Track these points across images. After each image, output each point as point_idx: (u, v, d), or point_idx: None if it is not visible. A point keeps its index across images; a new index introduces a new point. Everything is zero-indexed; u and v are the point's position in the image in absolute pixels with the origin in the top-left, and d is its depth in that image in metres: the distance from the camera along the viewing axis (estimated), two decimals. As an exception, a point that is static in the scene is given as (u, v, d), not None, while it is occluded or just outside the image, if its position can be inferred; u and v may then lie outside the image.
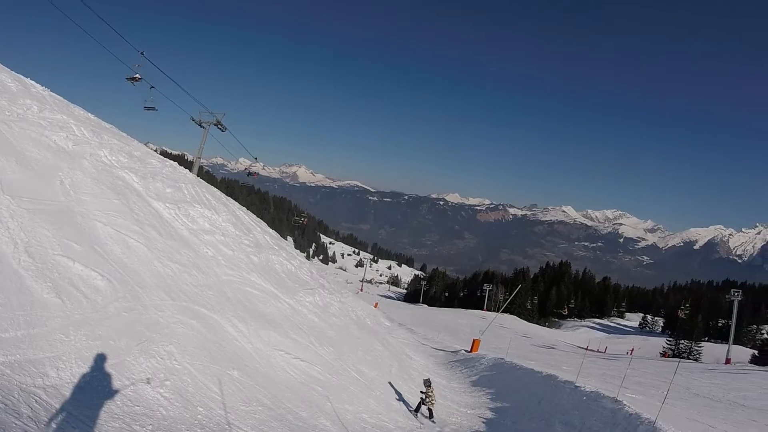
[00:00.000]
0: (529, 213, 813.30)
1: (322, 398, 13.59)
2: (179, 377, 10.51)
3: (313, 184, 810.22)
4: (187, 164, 37.13)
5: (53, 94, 19.80)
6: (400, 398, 17.62)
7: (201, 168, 38.32)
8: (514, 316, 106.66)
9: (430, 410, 16.89)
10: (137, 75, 29.71)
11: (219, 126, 35.64)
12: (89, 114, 21.34)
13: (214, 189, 23.41)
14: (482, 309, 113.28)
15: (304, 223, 62.72)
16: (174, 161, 22.92)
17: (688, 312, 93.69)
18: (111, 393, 8.92)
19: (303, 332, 16.53)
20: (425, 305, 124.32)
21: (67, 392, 8.30)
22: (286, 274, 20.12)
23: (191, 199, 18.88)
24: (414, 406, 17.06)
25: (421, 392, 17.04)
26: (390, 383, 18.52)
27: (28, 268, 10.18)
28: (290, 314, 17.06)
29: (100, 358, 9.43)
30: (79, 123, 17.75)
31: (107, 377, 9.21)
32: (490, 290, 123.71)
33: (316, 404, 13.09)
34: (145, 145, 23.84)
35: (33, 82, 19.39)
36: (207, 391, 10.75)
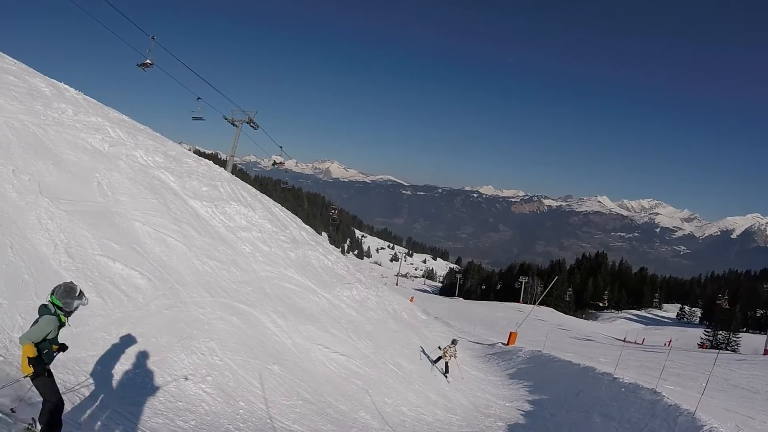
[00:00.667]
0: (564, 204, 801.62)
1: (361, 392, 13.58)
2: (221, 372, 10.60)
3: (346, 180, 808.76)
4: (221, 163, 37.35)
5: (87, 97, 20.14)
6: (439, 391, 17.52)
7: (235, 166, 38.57)
8: (551, 309, 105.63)
9: (446, 364, 19.49)
10: (148, 60, 29.06)
11: (251, 124, 35.79)
12: (123, 116, 21.65)
13: (249, 186, 23.58)
14: (518, 302, 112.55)
15: (335, 215, 62.33)
16: (208, 160, 23.09)
17: (726, 302, 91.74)
18: (153, 389, 9.03)
19: (341, 326, 16.55)
20: (461, 298, 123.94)
21: (111, 389, 8.40)
22: (323, 269, 20.16)
23: (227, 197, 19.02)
24: (453, 400, 17.11)
25: (439, 347, 20.20)
26: (428, 376, 18.43)
27: (69, 268, 10.33)
28: (328, 309, 17.09)
29: (142, 355, 9.54)
30: (114, 125, 18.00)
31: (149, 374, 9.31)
32: (526, 283, 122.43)
33: (356, 398, 13.09)
34: (179, 144, 23.98)
35: (66, 86, 19.73)
36: (248, 386, 10.82)
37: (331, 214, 67.72)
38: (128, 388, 8.69)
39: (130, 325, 10.10)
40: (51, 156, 13.68)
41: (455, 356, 19.85)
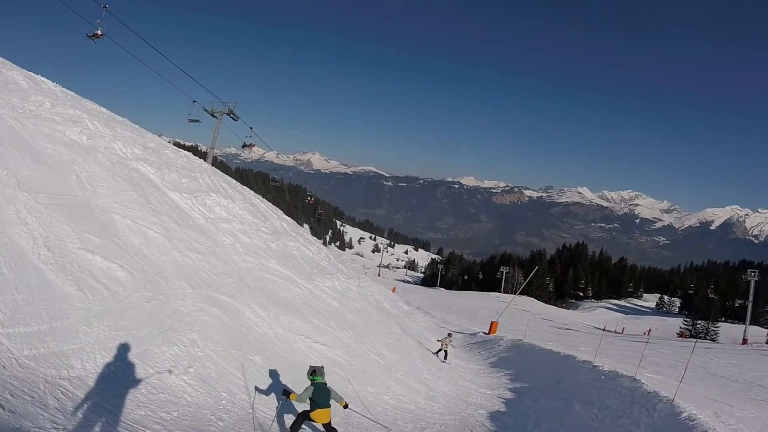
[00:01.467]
0: (544, 195, 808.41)
1: (343, 381, 13.65)
2: (202, 364, 10.62)
3: (327, 171, 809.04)
4: (201, 155, 37.18)
5: (65, 89, 19.92)
6: (421, 380, 17.66)
7: (215, 158, 38.28)
8: (532, 298, 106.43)
9: (445, 352, 22.58)
10: (98, 31, 27.09)
11: (231, 115, 35.65)
12: (101, 108, 21.44)
13: (230, 178, 23.53)
14: (500, 291, 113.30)
15: (311, 202, 61.78)
16: (187, 152, 22.99)
17: (712, 291, 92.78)
18: (135, 382, 9.03)
19: (323, 316, 16.65)
20: (442, 289, 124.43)
21: (92, 383, 8.40)
22: (304, 259, 20.23)
23: (207, 188, 19.00)
24: (435, 389, 17.33)
25: (438, 340, 23.89)
26: (410, 365, 18.57)
27: (48, 262, 10.27)
28: (309, 299, 17.17)
29: (124, 348, 9.53)
30: (92, 117, 17.86)
31: (131, 366, 9.31)
32: (507, 273, 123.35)
33: (337, 387, 13.06)
34: (159, 137, 23.77)
35: (44, 79, 19.50)
36: (230, 377, 10.85)
37: (308, 201, 67.10)
38: (110, 381, 8.68)
39: (111, 318, 10.07)
40: (29, 149, 13.54)
41: (451, 345, 23.13)
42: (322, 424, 9.62)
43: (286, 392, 9.97)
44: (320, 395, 9.49)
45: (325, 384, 9.71)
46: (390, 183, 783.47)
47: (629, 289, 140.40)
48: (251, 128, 38.21)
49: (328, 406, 9.53)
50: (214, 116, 35.48)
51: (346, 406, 10.10)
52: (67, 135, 15.75)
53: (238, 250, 16.76)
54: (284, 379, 11.99)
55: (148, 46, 27.30)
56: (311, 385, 9.55)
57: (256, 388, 10.95)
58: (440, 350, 22.83)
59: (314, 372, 9.75)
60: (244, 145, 39.46)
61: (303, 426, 9.92)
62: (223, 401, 9.96)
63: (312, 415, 9.47)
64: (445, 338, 23.15)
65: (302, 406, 10.02)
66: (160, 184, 17.11)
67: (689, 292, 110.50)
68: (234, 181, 23.52)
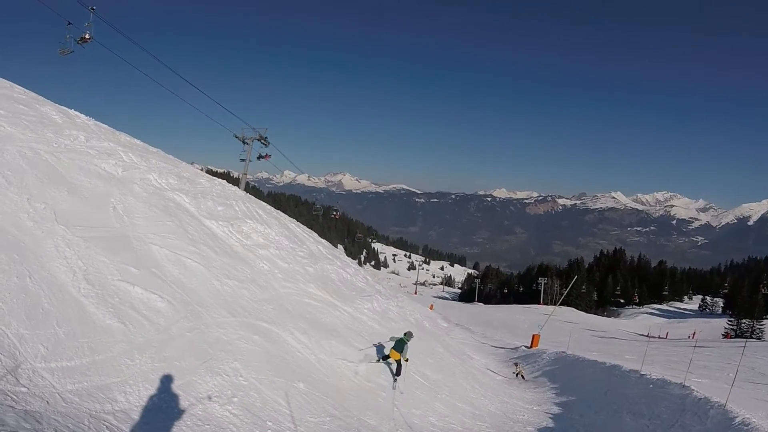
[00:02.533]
0: (578, 202, 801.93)
1: (388, 404, 13.45)
2: (246, 393, 10.48)
3: (359, 191, 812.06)
4: (233, 181, 37.28)
5: (98, 123, 20.23)
6: (466, 399, 17.35)
7: (247, 184, 38.40)
8: (572, 308, 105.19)
9: (522, 376, 24.40)
10: (87, 34, 26.61)
11: (262, 141, 35.83)
12: (135, 139, 21.72)
13: (264, 203, 23.56)
14: (539, 303, 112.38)
15: (337, 217, 61.18)
16: (221, 179, 23.10)
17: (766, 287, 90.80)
18: (180, 413, 8.91)
19: (364, 339, 16.46)
20: (480, 303, 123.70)
21: (137, 416, 8.30)
22: (342, 282, 20.11)
23: (243, 215, 19.02)
24: (480, 407, 17.05)
25: (515, 364, 25.49)
26: (454, 384, 18.26)
27: (88, 295, 10.27)
28: (350, 322, 17.01)
29: (167, 380, 9.43)
30: (126, 149, 18.06)
31: (175, 398, 9.20)
32: (545, 284, 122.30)
33: (383, 411, 12.95)
34: (191, 165, 23.94)
35: (77, 113, 19.82)
36: (275, 405, 10.69)
37: (334, 216, 66.52)
38: (154, 413, 8.58)
39: (153, 349, 10.01)
40: (65, 183, 13.69)
41: (523, 369, 25.45)
42: (394, 360, 15.07)
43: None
44: (396, 345, 14.98)
45: (402, 341, 15.09)
46: (422, 199, 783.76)
47: (664, 293, 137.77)
48: (265, 138, 37.92)
49: (399, 351, 14.90)
50: (245, 143, 35.67)
51: (406, 360, 15.10)
52: (103, 168, 15.91)
53: (277, 275, 16.69)
54: (330, 405, 11.82)
55: (172, 74, 27.50)
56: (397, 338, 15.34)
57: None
58: (518, 374, 24.76)
59: (405, 334, 15.53)
60: (260, 157, 39.02)
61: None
62: (269, 430, 9.79)
63: (389, 353, 15.12)
64: (519, 365, 25.49)
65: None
66: (197, 213, 17.17)
67: (723, 290, 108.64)
68: (269, 207, 23.57)
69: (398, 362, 14.96)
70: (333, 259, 21.89)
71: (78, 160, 15.41)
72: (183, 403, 9.22)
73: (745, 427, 11.54)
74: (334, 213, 66.37)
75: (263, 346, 12.38)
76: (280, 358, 12.44)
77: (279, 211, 24.99)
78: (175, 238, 14.57)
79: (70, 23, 25.13)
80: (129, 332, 10.07)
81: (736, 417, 12.21)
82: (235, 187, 23.69)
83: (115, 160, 16.74)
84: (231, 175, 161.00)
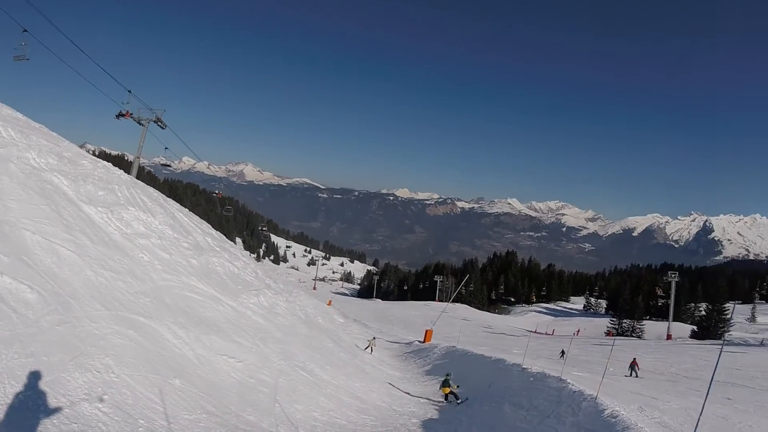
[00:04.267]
0: (476, 206, 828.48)
1: (269, 400, 13.21)
2: (118, 390, 9.97)
3: (261, 183, 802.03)
4: (127, 165, 35.89)
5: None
6: (353, 394, 17.40)
7: (142, 168, 37.17)
8: (465, 305, 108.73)
9: (372, 349, 27.86)
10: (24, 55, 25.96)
11: (159, 123, 34.51)
12: (17, 113, 20.32)
13: (151, 190, 22.55)
14: (434, 300, 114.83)
15: (219, 195, 59.17)
16: (109, 162, 22.01)
17: (661, 289, 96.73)
18: (47, 412, 8.35)
19: (248, 335, 16.11)
20: (379, 300, 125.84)
21: (1, 414, 7.72)
22: (228, 276, 19.60)
23: (125, 201, 18.09)
24: (367, 401, 17.20)
25: (368, 340, 29.10)
26: (342, 380, 18.30)
27: (-49, 284, 9.53)
28: (233, 317, 16.60)
29: (34, 376, 8.83)
30: (5, 123, 16.83)
31: (42, 395, 8.62)
32: (441, 281, 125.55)
33: (264, 407, 12.70)
34: (83, 146, 22.77)
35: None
36: (148, 403, 10.24)
37: (215, 194, 64.75)
38: (19, 411, 7.98)
39: (20, 344, 9.33)
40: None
41: (375, 345, 28.52)
42: (444, 394, 19.16)
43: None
44: (443, 382, 19.07)
45: (447, 378, 19.14)
46: (325, 195, 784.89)
47: (560, 293, 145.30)
48: (166, 148, 36.90)
49: (447, 386, 18.86)
50: (140, 124, 34.18)
51: (457, 387, 19.09)
52: (-24, 144, 14.81)
53: (157, 267, 15.99)
54: (207, 402, 11.45)
55: (72, 46, 26.02)
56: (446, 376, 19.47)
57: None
58: (368, 347, 28.07)
59: (447, 374, 19.52)
60: (162, 165, 38.46)
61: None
62: (141, 429, 9.34)
63: (441, 389, 19.31)
64: (373, 339, 29.47)
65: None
66: (75, 198, 16.20)
67: (605, 293, 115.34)
68: (156, 194, 22.55)
69: (452, 392, 18.95)
70: (220, 251, 21.25)
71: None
72: (51, 401, 8.65)
73: (613, 419, 12.10)
74: (216, 192, 64.48)
75: (138, 341, 11.83)
76: (155, 353, 11.93)
77: (169, 199, 23.97)
78: (49, 224, 13.67)
79: (25, 30, 24.35)
80: (-6, 325, 9.39)
81: (606, 409, 12.82)
82: (121, 171, 22.53)
83: (-9, 136, 15.63)
84: (125, 158, 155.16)
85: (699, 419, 9.03)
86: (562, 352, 34.47)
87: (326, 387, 16.60)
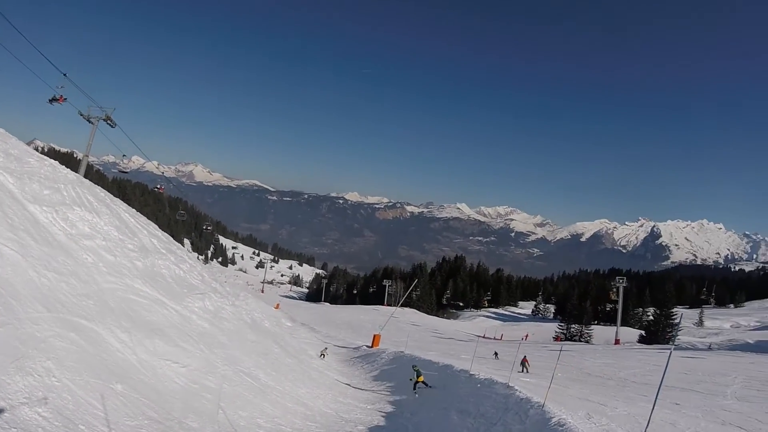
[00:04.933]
0: (425, 210, 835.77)
1: (213, 406, 13.12)
2: (59, 395, 9.81)
3: (210, 184, 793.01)
4: (76, 163, 35.21)
5: None
6: (298, 400, 17.36)
7: (91, 167, 36.51)
8: (414, 310, 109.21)
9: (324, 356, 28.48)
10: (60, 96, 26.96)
11: (109, 122, 33.94)
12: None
13: (98, 190, 22.15)
14: (383, 304, 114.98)
15: (160, 190, 58.26)
16: (57, 161, 21.51)
17: (615, 294, 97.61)
18: (-16, 416, 8.20)
19: (192, 339, 15.97)
20: (327, 303, 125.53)
21: (-67, 420, 7.58)
22: (173, 279, 19.36)
23: (71, 201, 17.76)
24: (313, 408, 17.14)
25: (321, 351, 28.98)
26: (287, 386, 18.23)
27: None
28: (178, 321, 16.42)
29: (-28, 378, 8.67)
30: (-53, 120, 16.39)
31: (-19, 399, 8.47)
32: (389, 286, 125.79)
33: (207, 413, 12.61)
34: (31, 142, 22.27)
35: None
36: (89, 408, 10.09)
37: (157, 189, 63.73)
38: (-47, 416, 7.87)
39: (-42, 346, 9.18)
40: None
41: (327, 354, 28.80)
42: (419, 382, 20.49)
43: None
44: (417, 373, 20.63)
45: (417, 369, 21.00)
46: (274, 197, 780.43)
47: (508, 298, 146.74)
48: (124, 155, 36.51)
49: (420, 375, 20.56)
50: (90, 121, 33.56)
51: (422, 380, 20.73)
52: None
53: (101, 269, 15.73)
54: (149, 408, 11.34)
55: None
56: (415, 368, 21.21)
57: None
58: (321, 355, 28.31)
59: (414, 365, 21.53)
60: (121, 171, 37.82)
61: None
62: (80, 434, 9.24)
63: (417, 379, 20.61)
64: (325, 350, 29.40)
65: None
66: (20, 196, 15.84)
67: (553, 297, 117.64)
68: (102, 193, 22.16)
69: (424, 382, 20.64)
70: (167, 253, 20.98)
71: None
72: (-11, 404, 8.51)
73: (560, 428, 12.05)
74: (157, 187, 63.29)
75: (80, 344, 11.64)
76: (97, 357, 11.75)
77: (116, 199, 23.58)
78: (-8, 223, 13.41)
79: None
80: (-71, 327, 9.17)
81: (553, 417, 12.76)
82: (68, 169, 22.04)
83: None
84: (75, 155, 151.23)
85: (647, 426, 9.24)
86: (495, 354, 37.15)
87: (271, 393, 16.54)
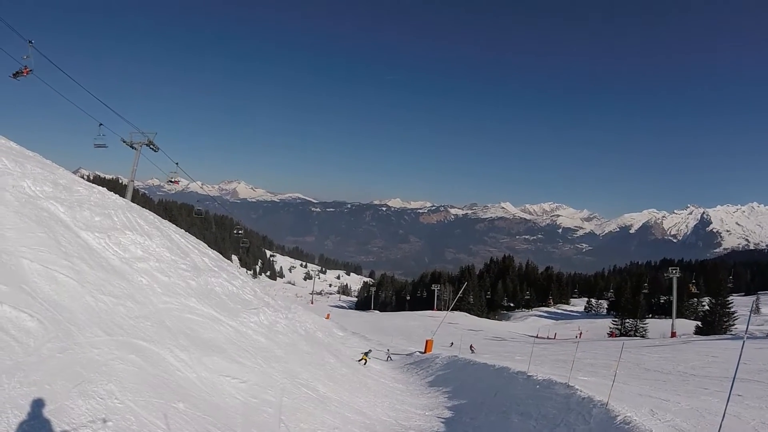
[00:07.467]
0: (469, 212, 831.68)
1: (274, 420, 13.11)
2: (122, 416, 9.88)
3: (254, 200, 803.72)
4: (122, 188, 35.91)
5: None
6: (357, 410, 17.27)
7: (136, 191, 37.28)
8: (465, 313, 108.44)
9: (365, 362, 27.48)
10: (26, 67, 26.02)
11: (151, 146, 34.58)
12: (11, 143, 20.35)
13: (147, 213, 22.56)
14: (433, 309, 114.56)
15: (240, 233, 59.13)
16: (104, 187, 22.00)
17: (694, 286, 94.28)
18: (51, 441, 8.30)
19: (249, 354, 16.02)
20: (377, 311, 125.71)
21: (5, 445, 7.68)
22: (227, 295, 19.53)
23: (122, 226, 18.09)
24: (372, 416, 17.06)
25: (363, 353, 28.15)
26: (345, 396, 18.19)
27: (-50, 315, 9.48)
28: (234, 337, 16.52)
29: (37, 405, 8.75)
30: (0, 153, 16.87)
31: (46, 424, 8.53)
32: (438, 290, 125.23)
33: (268, 427, 12.60)
34: (77, 171, 22.83)
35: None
36: (152, 428, 10.14)
37: (236, 233, 65.54)
38: (23, 441, 7.97)
39: (22, 373, 9.27)
40: None
41: (368, 359, 27.97)
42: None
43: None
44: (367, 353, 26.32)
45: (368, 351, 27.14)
46: (318, 209, 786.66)
47: (559, 296, 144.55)
48: (177, 164, 37.17)
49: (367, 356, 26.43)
50: (133, 147, 34.30)
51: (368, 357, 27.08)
52: (-30, 175, 14.80)
53: (156, 290, 15.95)
54: (212, 425, 11.39)
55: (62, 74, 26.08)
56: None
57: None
58: (362, 360, 27.47)
59: (367, 353, 27.13)
60: (170, 181, 38.40)
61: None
62: (146, 455, 9.31)
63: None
64: (367, 353, 28.74)
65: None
66: (72, 224, 16.18)
67: (607, 293, 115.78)
68: (152, 216, 22.57)
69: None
70: (218, 271, 21.21)
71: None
72: (55, 429, 8.61)
73: (626, 426, 11.70)
74: (198, 210, 64.31)
75: (140, 365, 11.77)
76: (158, 377, 11.86)
77: (165, 221, 23.99)
78: (47, 251, 13.63)
79: (31, 42, 24.65)
80: (-5, 355, 9.34)
81: (618, 415, 12.39)
82: (116, 195, 22.49)
83: (-15, 167, 15.62)
84: (120, 181, 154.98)
85: (722, 423, 8.88)
86: (471, 347, 36.75)
87: (330, 404, 16.48)
